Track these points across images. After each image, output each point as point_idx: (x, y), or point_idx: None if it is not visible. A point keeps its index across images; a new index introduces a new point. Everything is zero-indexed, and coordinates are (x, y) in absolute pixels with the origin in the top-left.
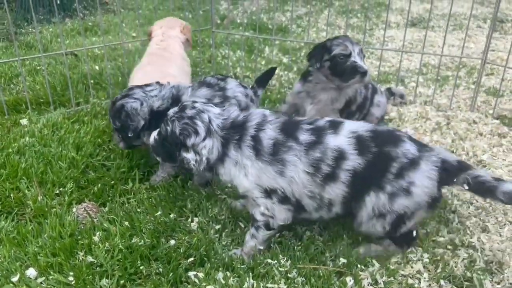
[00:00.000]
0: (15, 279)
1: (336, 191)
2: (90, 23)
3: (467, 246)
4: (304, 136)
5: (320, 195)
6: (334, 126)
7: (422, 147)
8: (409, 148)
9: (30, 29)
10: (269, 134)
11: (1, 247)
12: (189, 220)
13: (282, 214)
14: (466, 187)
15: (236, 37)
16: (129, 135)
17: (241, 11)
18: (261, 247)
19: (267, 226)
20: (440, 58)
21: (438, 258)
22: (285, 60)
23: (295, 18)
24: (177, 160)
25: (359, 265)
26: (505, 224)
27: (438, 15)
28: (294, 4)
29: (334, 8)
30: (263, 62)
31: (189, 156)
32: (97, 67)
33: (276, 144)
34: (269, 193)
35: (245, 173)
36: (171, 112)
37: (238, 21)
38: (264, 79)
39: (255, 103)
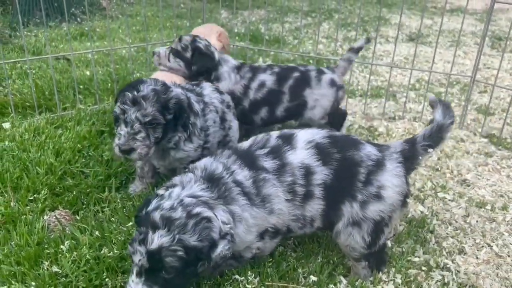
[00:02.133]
0: None
1: (315, 207)
2: (86, 28)
3: (442, 268)
4: (268, 163)
5: (303, 215)
6: (287, 141)
7: (380, 146)
8: (371, 150)
9: (25, 32)
10: (244, 174)
11: None
12: None
13: (272, 247)
14: (430, 150)
15: (231, 47)
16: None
17: (240, 20)
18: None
19: (252, 259)
20: (430, 75)
21: (411, 279)
22: None
23: (293, 29)
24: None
25: (329, 284)
26: (482, 247)
27: (437, 31)
28: (293, 16)
29: (334, 21)
30: None
31: (220, 248)
32: (88, 73)
33: (255, 181)
34: (261, 234)
35: (246, 227)
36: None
37: (236, 30)
38: None
39: (231, 109)
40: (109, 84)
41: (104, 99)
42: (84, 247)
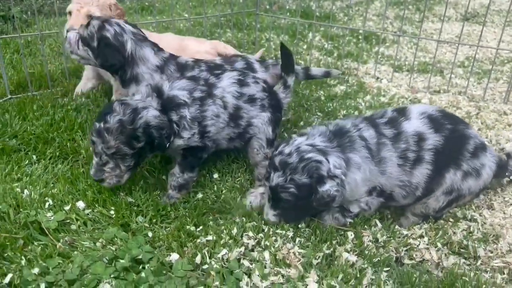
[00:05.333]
0: (67, 208)
1: (422, 172)
2: (146, 3)
3: (469, 220)
4: (387, 131)
5: (409, 182)
6: (402, 113)
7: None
8: (477, 134)
9: None
10: (370, 133)
11: (58, 183)
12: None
13: (375, 206)
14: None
15: (282, 22)
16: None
17: None
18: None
19: (356, 216)
20: (476, 49)
21: (439, 227)
22: (326, 45)
23: (344, 7)
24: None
25: (363, 225)
26: (511, 204)
27: (493, 11)
28: None
29: None
30: (304, 47)
31: (327, 186)
32: None
33: (377, 143)
34: (370, 191)
35: (364, 176)
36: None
37: (287, 7)
38: (287, 63)
39: (257, 103)
40: None
41: None
42: (154, 186)
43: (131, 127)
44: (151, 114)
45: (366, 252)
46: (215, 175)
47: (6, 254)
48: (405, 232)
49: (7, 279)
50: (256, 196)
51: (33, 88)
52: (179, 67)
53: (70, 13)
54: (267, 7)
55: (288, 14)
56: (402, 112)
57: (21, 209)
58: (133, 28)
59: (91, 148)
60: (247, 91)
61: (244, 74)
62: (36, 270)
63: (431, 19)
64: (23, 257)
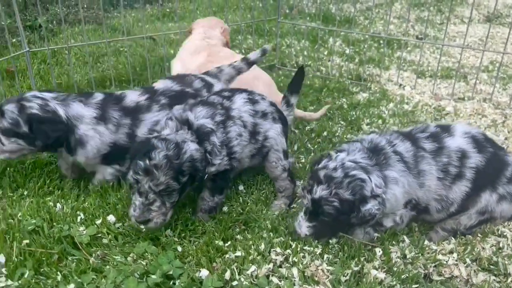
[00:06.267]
0: (98, 222)
1: (461, 189)
2: (167, 9)
3: (498, 235)
4: (428, 145)
5: (446, 197)
6: (446, 129)
7: None
8: None
9: (115, 14)
10: (405, 146)
11: (89, 197)
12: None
13: (407, 221)
14: None
15: (302, 28)
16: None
17: (311, 0)
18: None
19: (386, 231)
20: (502, 56)
21: (467, 242)
22: (348, 51)
23: (364, 9)
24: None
25: (391, 240)
26: None
27: None
28: None
29: (406, 0)
30: (325, 52)
31: (369, 205)
32: (172, 51)
33: (414, 156)
34: (406, 203)
35: (402, 189)
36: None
37: (307, 11)
38: (296, 83)
39: (269, 116)
40: None
41: None
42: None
43: (177, 161)
44: (193, 147)
45: (395, 269)
46: (241, 187)
47: (42, 270)
48: (434, 248)
49: None
50: (280, 208)
51: None
52: (127, 111)
53: (190, 31)
54: (287, 11)
55: (308, 18)
56: (445, 129)
57: (54, 223)
58: (49, 92)
59: (131, 189)
60: (259, 108)
61: (251, 93)
62: (71, 286)
63: (453, 21)
64: (58, 273)
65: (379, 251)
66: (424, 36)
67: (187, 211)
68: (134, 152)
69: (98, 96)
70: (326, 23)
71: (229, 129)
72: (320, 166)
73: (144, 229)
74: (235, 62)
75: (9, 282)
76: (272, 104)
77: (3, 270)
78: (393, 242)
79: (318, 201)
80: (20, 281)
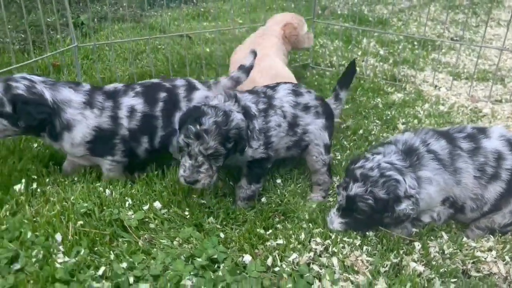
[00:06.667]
0: (145, 207)
1: (496, 189)
2: (202, 9)
3: None
4: (465, 144)
5: (482, 196)
6: (482, 131)
7: None
8: None
9: (152, 13)
10: (440, 144)
11: (136, 184)
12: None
13: (445, 218)
14: None
15: (336, 28)
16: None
17: (342, 2)
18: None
19: (425, 227)
20: None
21: (506, 240)
22: (381, 52)
23: (397, 11)
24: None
25: (429, 236)
26: None
27: None
28: None
29: (440, 3)
30: (359, 53)
31: (403, 205)
32: (207, 49)
33: (450, 153)
34: (444, 200)
35: (438, 188)
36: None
37: (339, 12)
38: (347, 79)
39: (311, 110)
40: (227, 60)
41: (224, 73)
42: (223, 189)
43: (225, 128)
44: (239, 117)
45: (433, 263)
46: (278, 180)
47: (96, 249)
48: (473, 245)
49: (100, 272)
50: (317, 201)
51: None
52: (108, 94)
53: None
54: (319, 12)
55: (340, 19)
56: (482, 130)
57: (104, 207)
58: (39, 76)
59: (180, 152)
60: (302, 100)
61: (297, 85)
62: (124, 265)
63: (489, 24)
64: (111, 252)
65: (418, 245)
66: (460, 38)
67: (228, 200)
68: (184, 117)
69: (86, 86)
70: (359, 24)
71: (270, 118)
72: (357, 165)
73: (193, 187)
74: (234, 72)
75: (66, 258)
76: (319, 98)
77: (60, 247)
78: (431, 237)
79: (353, 198)
80: (76, 258)
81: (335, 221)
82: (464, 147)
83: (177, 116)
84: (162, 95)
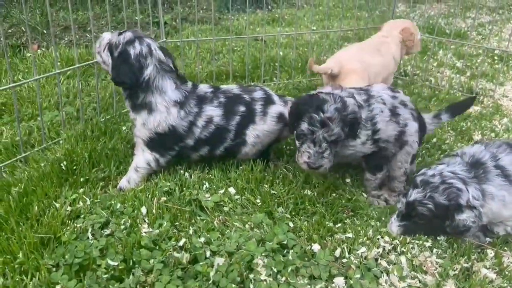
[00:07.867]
0: (221, 192)
1: None
2: (276, 15)
3: None
4: None
5: None
6: None
7: None
8: None
9: (229, 16)
10: (509, 159)
11: (212, 170)
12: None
13: None
14: None
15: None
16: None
17: (418, 14)
18: None
19: (498, 238)
20: None
21: None
22: (458, 64)
23: (476, 25)
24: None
25: (502, 246)
26: None
27: None
28: (477, 11)
29: None
30: (434, 64)
31: (464, 216)
32: (281, 53)
33: None
34: None
35: (502, 203)
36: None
37: (415, 23)
38: (457, 108)
39: (408, 109)
40: (299, 64)
41: (296, 76)
42: (292, 183)
43: (344, 113)
44: (353, 102)
45: (506, 272)
46: (348, 180)
47: (177, 223)
48: None
49: (180, 243)
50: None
51: None
52: (199, 99)
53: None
54: None
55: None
56: None
57: (184, 188)
58: (164, 55)
59: (299, 140)
60: (399, 96)
61: (391, 87)
62: (202, 239)
63: None
64: (190, 227)
65: (491, 253)
66: None
67: (296, 187)
68: (302, 106)
69: (189, 86)
70: (435, 36)
71: (372, 106)
72: (418, 173)
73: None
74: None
75: (150, 229)
76: (414, 105)
77: (145, 219)
78: (505, 248)
79: (412, 203)
80: (159, 229)
81: (394, 223)
82: None
83: (251, 128)
84: (241, 109)
